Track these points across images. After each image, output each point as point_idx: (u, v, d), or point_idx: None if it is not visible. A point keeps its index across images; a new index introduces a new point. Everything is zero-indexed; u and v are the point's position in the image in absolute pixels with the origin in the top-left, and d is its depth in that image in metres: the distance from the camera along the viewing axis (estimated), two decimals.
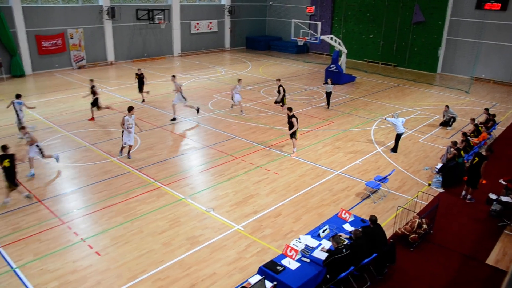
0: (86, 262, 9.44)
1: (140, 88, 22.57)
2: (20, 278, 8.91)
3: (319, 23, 30.47)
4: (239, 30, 42.87)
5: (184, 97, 19.19)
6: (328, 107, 21.75)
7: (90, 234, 10.45)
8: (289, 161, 15.10)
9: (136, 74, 22.56)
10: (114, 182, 13.19)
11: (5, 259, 9.51)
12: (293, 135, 15.49)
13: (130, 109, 14.82)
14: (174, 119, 19.21)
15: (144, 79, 22.54)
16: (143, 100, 22.60)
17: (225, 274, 9.17)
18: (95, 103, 19.21)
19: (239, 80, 20.47)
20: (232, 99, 20.14)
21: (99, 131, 17.94)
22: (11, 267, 9.25)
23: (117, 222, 10.98)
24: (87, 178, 13.50)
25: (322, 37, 28.45)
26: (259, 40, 42.87)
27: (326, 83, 21.66)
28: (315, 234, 9.65)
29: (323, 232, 9.64)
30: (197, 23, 39.27)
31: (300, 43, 30.73)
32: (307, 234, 9.69)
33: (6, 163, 11.55)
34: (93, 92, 19.10)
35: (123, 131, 14.64)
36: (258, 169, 14.41)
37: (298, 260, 8.67)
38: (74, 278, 8.97)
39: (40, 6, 29.74)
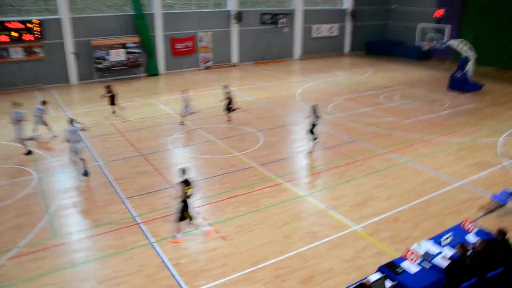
0: (213, 245, 10.31)
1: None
2: (156, 251, 10.06)
3: (448, 27, 28.98)
4: (360, 35, 42.39)
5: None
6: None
7: (217, 220, 11.37)
8: (409, 168, 14.79)
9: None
10: (238, 175, 14.10)
11: (144, 233, 10.79)
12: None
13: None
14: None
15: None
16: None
17: (342, 270, 9.39)
18: (228, 107, 19.84)
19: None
20: None
21: (224, 127, 19.20)
22: (149, 241, 10.46)
23: (241, 211, 11.78)
24: (214, 170, 14.63)
25: (450, 41, 27.11)
26: (379, 45, 41.94)
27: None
28: (436, 241, 9.47)
29: (446, 239, 9.40)
30: (318, 27, 39.72)
31: (425, 48, 29.60)
32: (428, 241, 9.55)
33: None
34: (228, 98, 19.71)
35: None
36: (378, 173, 14.36)
37: (418, 265, 8.62)
38: (203, 257, 9.86)
39: (176, 12, 32.51)
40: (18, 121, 15.97)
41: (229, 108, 19.87)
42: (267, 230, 10.88)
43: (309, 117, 15.97)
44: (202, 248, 10.20)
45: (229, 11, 34.53)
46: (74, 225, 11.56)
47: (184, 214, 10.28)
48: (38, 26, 27.85)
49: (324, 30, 40.17)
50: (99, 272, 9.46)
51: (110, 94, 20.86)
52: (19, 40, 27.64)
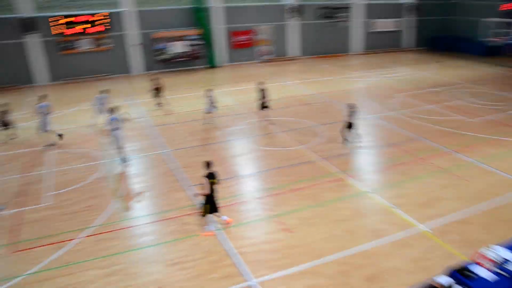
0: (277, 236, 10.40)
1: None
2: (221, 239, 10.25)
3: None
4: (423, 29, 41.04)
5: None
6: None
7: (281, 212, 11.45)
8: (477, 169, 14.19)
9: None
10: (300, 168, 14.11)
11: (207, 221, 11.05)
12: None
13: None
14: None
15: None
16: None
17: (408, 270, 9.19)
18: (263, 105, 18.74)
19: None
20: None
21: (285, 120, 19.23)
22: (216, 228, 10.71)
23: (304, 205, 11.78)
24: (276, 162, 14.72)
25: None
26: (444, 40, 40.38)
27: None
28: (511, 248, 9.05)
29: None
30: (378, 22, 38.83)
31: (496, 43, 28.22)
32: (502, 246, 9.14)
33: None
34: (263, 96, 18.62)
35: None
36: (444, 172, 13.90)
37: (493, 272, 8.27)
38: (266, 248, 9.97)
39: (236, 5, 32.80)
40: (44, 113, 16.73)
41: (263, 105, 18.90)
42: (330, 225, 10.84)
43: (347, 116, 15.60)
44: (266, 238, 10.32)
45: (288, 4, 34.41)
46: (141, 209, 12.05)
47: (206, 207, 10.33)
48: (107, 18, 29.01)
49: (384, 24, 39.23)
50: (166, 256, 9.80)
51: (157, 87, 21.36)
52: (89, 32, 28.99)
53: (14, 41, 28.29)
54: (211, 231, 10.65)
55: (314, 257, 9.59)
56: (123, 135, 15.15)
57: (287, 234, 10.45)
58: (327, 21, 35.59)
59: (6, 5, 27.71)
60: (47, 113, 16.80)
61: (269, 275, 9.02)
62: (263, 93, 18.71)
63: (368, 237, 10.36)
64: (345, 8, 35.42)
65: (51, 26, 28.51)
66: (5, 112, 18.02)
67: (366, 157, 15.33)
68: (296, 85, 26.12)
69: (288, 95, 23.65)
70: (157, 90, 21.40)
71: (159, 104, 21.55)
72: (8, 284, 8.95)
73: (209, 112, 18.64)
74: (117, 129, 14.57)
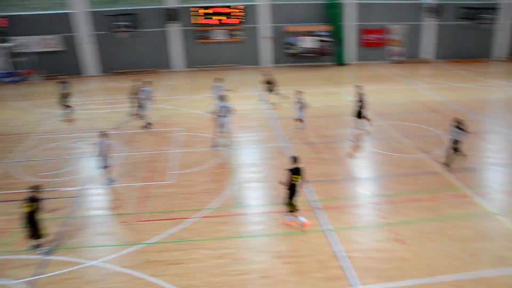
0: (389, 246, 10.00)
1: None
2: (331, 240, 10.16)
3: None
4: None
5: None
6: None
7: (395, 221, 10.97)
8: None
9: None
10: (421, 178, 13.34)
11: (321, 219, 11.01)
12: None
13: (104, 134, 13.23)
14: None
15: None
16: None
17: None
18: (359, 113, 17.25)
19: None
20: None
21: (411, 126, 18.27)
22: (325, 228, 10.64)
23: (421, 217, 11.15)
24: (396, 168, 14.13)
25: None
26: None
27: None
28: None
29: None
30: None
31: None
32: None
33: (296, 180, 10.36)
34: (361, 100, 17.23)
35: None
36: None
37: None
38: (377, 256, 9.66)
39: (369, 2, 31.92)
40: (145, 98, 18.36)
41: (359, 113, 17.18)
42: (448, 243, 10.11)
43: (451, 132, 13.68)
44: (377, 246, 10.01)
45: (425, 3, 32.52)
46: (255, 199, 12.51)
47: (288, 201, 10.39)
48: (242, 10, 30.26)
49: None
50: (274, 247, 10.03)
51: (269, 80, 21.63)
52: (224, 23, 30.58)
53: (158, 29, 30.93)
54: (292, 222, 10.75)
55: (427, 274, 9.07)
56: (229, 123, 15.99)
57: (399, 245, 10.01)
58: (469, 22, 32.87)
59: None
60: (148, 99, 18.43)
61: (376, 284, 8.76)
62: (361, 99, 17.13)
63: (492, 263, 9.47)
64: (492, 9, 32.35)
65: (191, 16, 30.58)
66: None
67: (498, 175, 13.96)
68: (425, 90, 24.69)
69: (416, 100, 22.44)
70: (270, 84, 21.74)
71: (272, 97, 21.81)
72: (129, 250, 9.94)
73: (299, 119, 17.55)
74: (224, 116, 15.48)
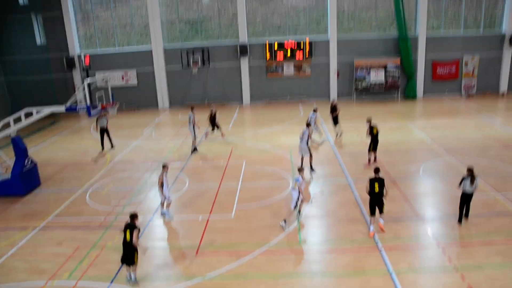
0: None
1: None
2: (394, 282, 9.78)
3: None
4: None
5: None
6: None
7: (464, 265, 10.36)
8: None
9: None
10: (494, 219, 12.44)
11: (384, 260, 10.67)
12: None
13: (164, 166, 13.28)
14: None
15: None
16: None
17: None
18: (374, 147, 17.32)
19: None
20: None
21: (485, 163, 17.29)
22: (389, 269, 10.28)
23: (496, 262, 10.39)
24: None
25: None
26: None
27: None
28: None
29: None
30: None
31: None
32: None
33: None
34: (371, 136, 17.16)
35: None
36: None
37: None
38: None
39: (441, 36, 31.32)
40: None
41: (371, 146, 17.28)
42: None
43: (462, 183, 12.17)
44: None
45: (503, 34, 31.19)
46: (318, 236, 12.37)
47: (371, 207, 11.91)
48: (308, 45, 30.78)
49: None
50: None
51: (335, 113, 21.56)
52: (292, 57, 31.23)
53: (232, 64, 32.27)
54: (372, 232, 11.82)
55: None
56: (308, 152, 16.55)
57: None
58: None
59: (233, 32, 32.08)
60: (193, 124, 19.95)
61: None
62: (371, 132, 17.12)
63: None
64: None
65: (263, 50, 31.57)
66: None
67: None
68: (502, 124, 23.44)
69: (491, 135, 21.32)
70: (335, 118, 21.76)
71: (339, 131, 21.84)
72: (193, 282, 10.14)
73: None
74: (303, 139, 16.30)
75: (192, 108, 20.50)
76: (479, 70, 31.65)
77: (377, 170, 12.02)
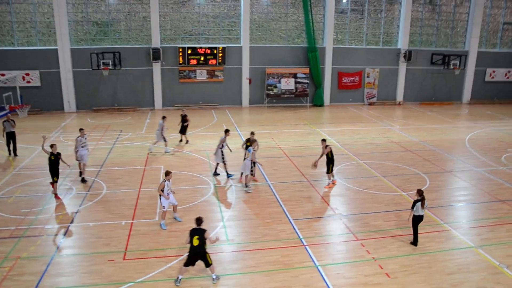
0: (376, 279, 10.35)
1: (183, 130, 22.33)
2: (321, 275, 10.49)
3: None
4: None
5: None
6: None
7: (381, 256, 11.41)
8: None
9: (181, 115, 22.51)
10: (403, 214, 13.86)
11: (310, 255, 11.35)
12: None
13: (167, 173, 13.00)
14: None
15: (188, 121, 22.29)
16: (186, 141, 22.44)
17: None
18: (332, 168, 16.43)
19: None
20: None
21: (389, 165, 19.08)
22: (315, 264, 10.97)
23: (406, 251, 11.62)
24: (378, 206, 14.70)
25: None
26: None
27: None
28: None
29: None
30: (493, 71, 37.14)
31: None
32: None
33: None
34: (327, 155, 16.09)
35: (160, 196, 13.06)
36: None
37: None
38: None
39: (346, 47, 33.61)
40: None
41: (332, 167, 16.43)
42: (433, 276, 10.57)
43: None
44: (364, 280, 10.34)
45: (399, 49, 34.38)
46: (244, 235, 12.69)
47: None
48: (221, 52, 31.30)
49: (500, 74, 37.41)
50: (268, 284, 10.15)
51: (185, 124, 22.04)
52: (205, 63, 31.47)
53: (144, 68, 31.61)
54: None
55: None
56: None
57: (387, 279, 10.36)
58: (439, 68, 34.85)
59: (144, 36, 31.51)
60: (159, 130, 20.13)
61: None
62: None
63: None
64: (460, 56, 34.37)
65: (176, 55, 31.39)
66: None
67: (473, 211, 14.70)
68: (400, 131, 25.82)
69: (392, 140, 23.46)
70: (184, 127, 22.14)
71: (180, 140, 22.45)
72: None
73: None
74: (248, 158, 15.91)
75: (163, 118, 20.44)
76: (379, 81, 34.57)
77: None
